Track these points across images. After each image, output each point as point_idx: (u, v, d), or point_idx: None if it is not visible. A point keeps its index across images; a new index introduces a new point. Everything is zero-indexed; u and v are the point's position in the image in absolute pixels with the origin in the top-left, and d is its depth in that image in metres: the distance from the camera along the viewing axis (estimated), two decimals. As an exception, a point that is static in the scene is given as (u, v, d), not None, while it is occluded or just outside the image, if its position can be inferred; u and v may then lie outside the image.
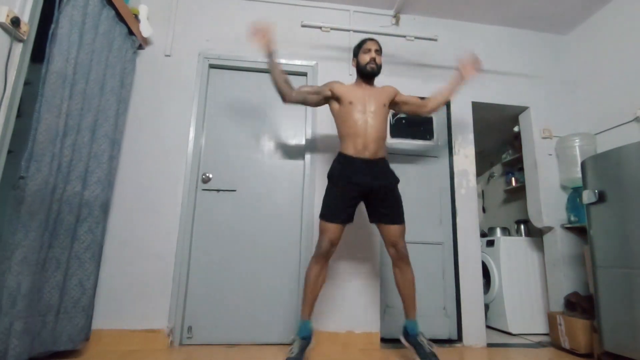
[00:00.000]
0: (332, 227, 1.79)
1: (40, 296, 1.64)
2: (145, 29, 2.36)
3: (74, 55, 1.73)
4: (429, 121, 2.78)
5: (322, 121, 2.52)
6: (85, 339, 1.89)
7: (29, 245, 1.53)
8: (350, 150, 1.86)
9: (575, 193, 2.59)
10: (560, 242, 2.63)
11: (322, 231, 1.81)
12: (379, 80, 2.80)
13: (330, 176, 1.87)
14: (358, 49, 1.99)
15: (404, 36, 2.66)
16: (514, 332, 2.75)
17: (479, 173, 4.33)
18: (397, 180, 1.93)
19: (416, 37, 2.66)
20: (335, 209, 1.81)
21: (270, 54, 1.81)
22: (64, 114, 1.69)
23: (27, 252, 1.52)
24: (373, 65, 1.93)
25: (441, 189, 2.64)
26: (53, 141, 1.63)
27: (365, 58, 1.94)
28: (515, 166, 3.72)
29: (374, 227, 2.41)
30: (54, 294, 1.71)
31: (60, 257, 1.74)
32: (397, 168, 2.61)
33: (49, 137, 1.59)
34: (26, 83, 1.60)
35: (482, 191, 4.44)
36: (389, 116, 2.73)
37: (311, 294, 1.80)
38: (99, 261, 1.99)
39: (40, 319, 1.64)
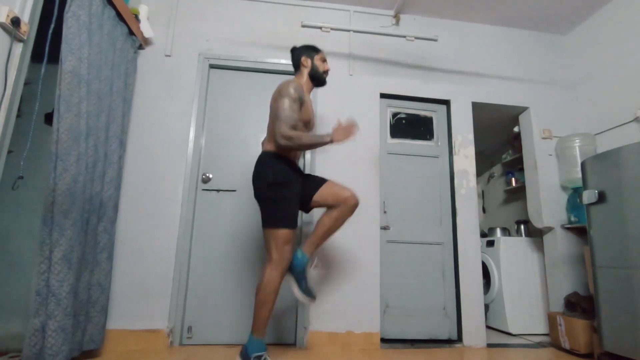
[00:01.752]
0: (293, 233, 1.68)
1: (75, 296, 1.65)
2: (145, 29, 2.36)
3: (86, 55, 1.74)
4: (429, 121, 2.78)
5: (322, 122, 2.52)
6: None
7: (66, 244, 1.53)
8: (290, 155, 1.77)
9: (575, 193, 2.59)
10: (560, 242, 2.63)
11: (287, 240, 1.64)
12: (383, 80, 2.80)
13: (282, 181, 1.67)
14: (314, 52, 1.90)
15: (404, 36, 2.66)
16: (514, 332, 2.75)
17: (479, 173, 4.33)
18: None
19: (416, 37, 2.66)
20: (294, 213, 1.70)
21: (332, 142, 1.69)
22: (84, 114, 1.70)
23: (66, 251, 1.53)
24: (326, 76, 1.93)
25: (441, 189, 2.64)
26: (77, 140, 1.64)
27: (324, 66, 1.91)
28: (515, 166, 3.72)
29: (375, 228, 2.41)
30: (85, 293, 1.73)
31: (88, 256, 1.76)
32: (397, 168, 2.63)
33: (72, 136, 1.60)
34: (26, 83, 1.60)
35: (482, 191, 4.44)
36: (389, 116, 2.74)
37: (271, 309, 1.63)
38: (112, 261, 2.01)
39: (75, 319, 1.65)
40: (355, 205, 1.74)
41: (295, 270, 1.71)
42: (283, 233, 1.63)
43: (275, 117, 1.67)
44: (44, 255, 1.49)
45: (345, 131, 1.67)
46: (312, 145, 1.69)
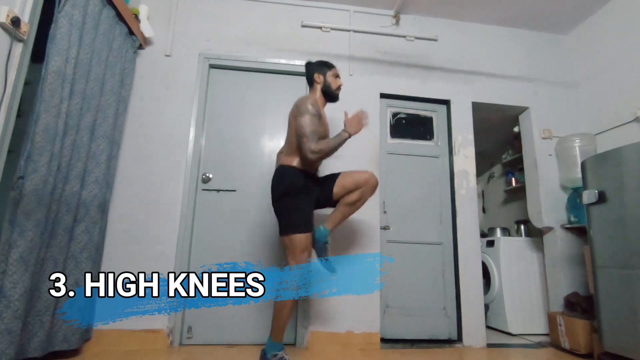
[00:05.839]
0: (309, 238, 1.73)
1: (38, 296, 1.63)
2: (145, 29, 2.36)
3: (74, 55, 1.73)
4: (429, 121, 2.78)
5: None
6: (85, 338, 1.89)
7: (25, 245, 1.51)
8: (310, 169, 1.83)
9: (575, 193, 2.59)
10: (560, 242, 2.63)
11: (304, 247, 1.69)
12: (383, 80, 2.79)
13: (294, 187, 1.74)
14: (326, 69, 1.93)
15: (404, 36, 2.66)
16: (514, 332, 2.75)
17: (479, 173, 4.33)
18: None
19: (416, 37, 2.66)
20: (309, 219, 1.76)
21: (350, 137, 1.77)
22: (63, 114, 1.68)
23: (23, 252, 1.51)
24: (339, 92, 1.96)
25: (441, 189, 2.64)
26: (52, 141, 1.62)
27: (337, 82, 1.94)
28: (515, 166, 3.72)
29: (375, 228, 2.42)
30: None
31: (58, 257, 1.73)
32: (397, 168, 2.63)
33: (47, 137, 1.58)
34: (26, 83, 1.60)
35: (482, 191, 4.44)
36: (389, 116, 2.74)
37: (289, 314, 1.70)
38: (96, 261, 1.99)
39: (37, 319, 1.63)
40: (375, 185, 1.82)
41: (318, 243, 1.80)
42: (299, 239, 1.69)
43: (300, 136, 1.71)
44: (4, 255, 1.47)
45: (357, 121, 1.78)
46: (337, 148, 1.73)
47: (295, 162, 1.79)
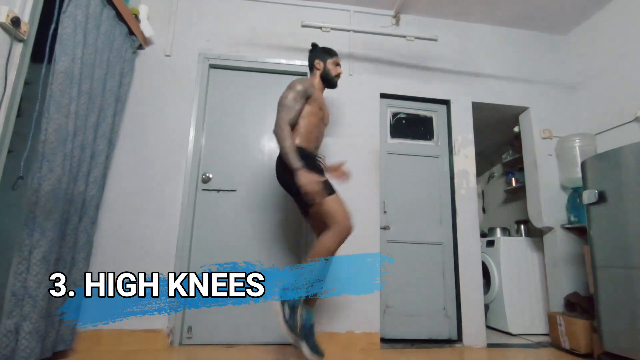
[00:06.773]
0: (339, 197, 1.68)
1: (49, 297, 1.64)
2: (145, 29, 2.36)
3: (80, 55, 1.73)
4: (429, 121, 2.78)
5: (322, 121, 2.52)
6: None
7: (47, 245, 1.53)
8: (309, 147, 1.83)
9: (575, 193, 2.59)
10: (560, 242, 2.63)
11: (337, 209, 1.60)
12: (383, 81, 2.79)
13: (301, 155, 1.69)
14: (328, 56, 1.98)
15: (404, 36, 2.66)
16: (514, 332, 2.75)
17: (479, 173, 4.33)
18: None
19: (416, 37, 2.66)
20: (328, 182, 1.71)
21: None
22: (72, 114, 1.69)
23: (46, 252, 1.52)
24: (338, 80, 2.01)
25: (441, 189, 2.64)
26: (64, 141, 1.63)
27: (337, 70, 1.99)
28: (515, 166, 3.72)
29: (375, 228, 2.41)
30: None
31: (67, 257, 1.75)
32: (397, 168, 2.63)
33: (59, 137, 1.59)
34: (26, 83, 1.60)
35: (482, 191, 4.44)
36: (389, 116, 2.74)
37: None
38: (93, 261, 2.00)
39: (50, 319, 1.64)
40: (349, 231, 1.66)
41: (304, 328, 1.58)
42: (330, 201, 1.62)
43: (278, 105, 1.77)
44: (22, 256, 1.47)
45: (312, 182, 1.58)
46: (284, 153, 1.66)
47: (299, 141, 1.78)
